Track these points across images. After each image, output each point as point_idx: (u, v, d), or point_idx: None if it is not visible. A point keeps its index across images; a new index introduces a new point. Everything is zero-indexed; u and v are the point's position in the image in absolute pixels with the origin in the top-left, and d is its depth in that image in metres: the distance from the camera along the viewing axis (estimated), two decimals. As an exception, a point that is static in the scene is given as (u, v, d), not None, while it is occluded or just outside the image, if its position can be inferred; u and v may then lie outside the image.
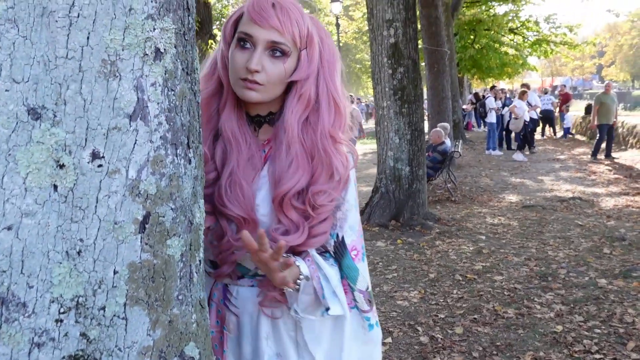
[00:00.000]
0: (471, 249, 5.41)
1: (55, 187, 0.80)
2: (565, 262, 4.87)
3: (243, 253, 1.22)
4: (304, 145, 1.20)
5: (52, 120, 0.79)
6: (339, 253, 1.27)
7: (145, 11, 0.84)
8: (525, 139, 13.14)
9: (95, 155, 0.81)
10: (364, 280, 1.29)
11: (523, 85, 14.91)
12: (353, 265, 1.27)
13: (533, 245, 5.51)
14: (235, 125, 1.23)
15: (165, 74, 0.87)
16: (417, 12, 9.93)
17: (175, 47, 0.89)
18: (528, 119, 13.10)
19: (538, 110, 14.44)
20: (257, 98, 1.17)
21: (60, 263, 0.81)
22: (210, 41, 10.85)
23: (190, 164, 0.93)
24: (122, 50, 0.82)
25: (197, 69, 0.97)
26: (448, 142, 8.83)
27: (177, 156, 0.90)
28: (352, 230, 1.28)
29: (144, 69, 0.84)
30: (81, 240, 0.82)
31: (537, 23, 21.76)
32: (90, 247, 0.82)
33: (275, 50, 1.16)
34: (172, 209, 0.89)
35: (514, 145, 14.99)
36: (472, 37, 21.48)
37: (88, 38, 0.80)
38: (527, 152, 13.86)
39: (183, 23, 0.91)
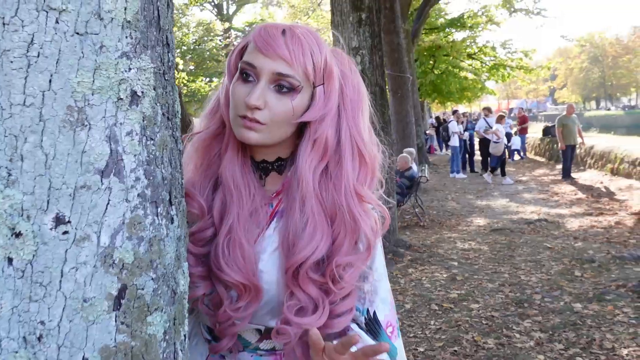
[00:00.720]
0: (445, 276, 5.34)
1: (10, 260, 0.66)
2: (539, 287, 4.85)
3: (245, 324, 1.04)
4: (321, 203, 1.00)
5: (6, 179, 0.65)
6: (372, 331, 1.08)
7: (119, 48, 0.71)
8: (503, 162, 13.19)
9: (59, 220, 0.68)
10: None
11: (485, 108, 15.20)
12: (391, 345, 1.09)
13: (505, 270, 5.49)
14: (237, 172, 1.03)
15: (143, 120, 0.74)
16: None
17: (154, 89, 0.76)
18: (507, 142, 13.31)
19: (499, 133, 14.70)
20: (256, 139, 0.98)
21: (17, 352, 0.67)
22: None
23: (172, 223, 0.80)
24: (92, 94, 0.69)
25: (178, 112, 0.85)
26: (415, 167, 8.84)
27: (157, 216, 0.77)
28: (384, 304, 1.09)
29: (118, 115, 0.71)
30: (42, 323, 0.68)
31: (493, 48, 22.37)
32: (53, 330, 0.68)
33: (282, 84, 0.97)
34: (152, 278, 0.75)
35: (477, 168, 15.21)
36: (431, 62, 21.90)
37: (50, 81, 0.67)
38: (492, 175, 14.06)
39: (162, 61, 0.79)
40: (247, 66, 0.98)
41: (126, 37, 0.72)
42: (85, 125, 0.69)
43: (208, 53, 28.00)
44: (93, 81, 0.69)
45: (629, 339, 3.61)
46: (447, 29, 21.95)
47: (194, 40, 27.75)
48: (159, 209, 0.77)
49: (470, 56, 22.89)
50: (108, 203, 0.71)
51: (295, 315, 0.98)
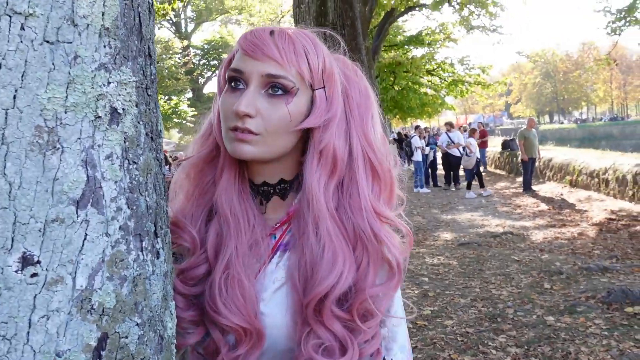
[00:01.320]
0: (416, 292, 5.30)
1: (-33, 310, 0.55)
2: (511, 301, 4.84)
3: None
4: (339, 225, 0.88)
5: (-38, 215, 0.55)
6: None
7: (97, 59, 0.62)
8: (479, 176, 13.26)
9: (26, 261, 0.57)
10: None
11: (446, 123, 15.42)
12: None
13: (476, 284, 5.48)
14: (234, 199, 0.91)
15: (124, 141, 0.65)
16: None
17: (136, 105, 0.67)
18: (479, 156, 13.43)
19: (461, 147, 14.95)
20: (252, 153, 0.86)
21: (-25, 422, 0.56)
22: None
23: (158, 257, 0.70)
24: (65, 112, 0.59)
25: (161, 131, 0.75)
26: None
27: (142, 251, 0.67)
28: (402, 353, 0.97)
29: (95, 136, 0.62)
30: (7, 384, 0.57)
31: (452, 65, 22.82)
32: (20, 393, 0.57)
33: (275, 87, 0.86)
34: (137, 324, 0.65)
35: (440, 182, 15.38)
36: (392, 78, 22.15)
37: (15, 97, 0.57)
38: (453, 189, 14.23)
39: (145, 74, 0.70)
40: (234, 73, 0.88)
41: (104, 46, 0.63)
42: (57, 148, 0.59)
43: (167, 71, 27.66)
44: (66, 97, 0.59)
45: (603, 351, 3.62)
46: (406, 46, 22.29)
47: (153, 59, 27.40)
48: (143, 243, 0.67)
49: (429, 72, 23.27)
50: (85, 238, 0.60)
51: (323, 356, 0.85)
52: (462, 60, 22.86)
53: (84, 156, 0.61)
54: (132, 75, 0.66)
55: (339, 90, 0.91)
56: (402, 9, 18.33)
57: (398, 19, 20.22)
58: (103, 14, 0.62)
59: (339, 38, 0.99)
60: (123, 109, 0.64)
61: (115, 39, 0.64)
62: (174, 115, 26.88)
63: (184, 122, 27.63)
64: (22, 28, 0.57)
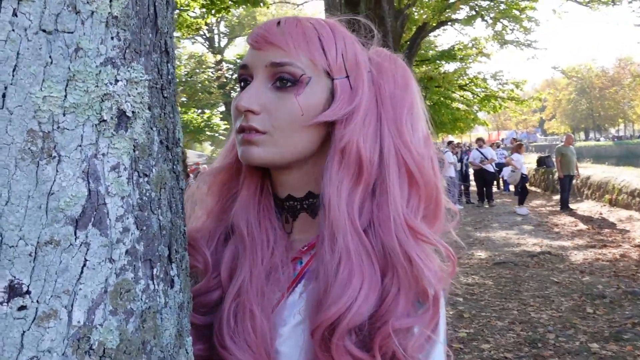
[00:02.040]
0: (451, 313, 5.10)
1: (-59, 350, 0.46)
2: (551, 325, 4.61)
3: None
4: (362, 240, 0.73)
5: (-63, 235, 0.46)
6: None
7: (102, 53, 0.53)
8: (524, 191, 12.91)
9: (14, 291, 0.48)
10: None
11: (478, 139, 15.15)
12: None
13: (514, 306, 5.25)
14: (252, 215, 0.80)
15: (134, 150, 0.55)
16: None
17: (149, 108, 0.57)
18: (526, 172, 13.11)
19: (494, 163, 14.63)
20: (259, 156, 0.75)
21: None
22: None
23: (172, 287, 0.60)
24: (64, 114, 0.50)
25: (180, 139, 0.66)
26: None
27: (153, 279, 0.56)
28: None
29: (99, 143, 0.52)
30: None
31: (484, 80, 22.51)
32: None
33: (283, 79, 0.74)
34: (145, 367, 0.55)
35: (473, 199, 15.07)
36: (423, 93, 21.94)
37: (4, 96, 0.48)
38: (487, 205, 13.91)
39: (160, 72, 0.60)
40: (241, 70, 0.79)
41: (112, 38, 0.53)
42: (54, 156, 0.49)
43: (200, 85, 28.08)
44: (65, 96, 0.50)
45: (653, 382, 3.38)
46: (437, 61, 22.11)
47: (186, 73, 27.86)
48: (154, 270, 0.56)
49: (461, 87, 23.00)
50: (84, 265, 0.51)
51: None
52: (495, 75, 22.52)
53: (85, 167, 0.51)
54: (145, 73, 0.56)
55: (366, 79, 0.78)
56: (434, 24, 18.20)
57: (430, 34, 20.09)
58: (111, 1, 0.53)
59: (372, 25, 0.87)
60: (133, 112, 0.55)
61: (125, 30, 0.54)
62: (206, 129, 27.21)
63: (217, 135, 27.93)
64: (15, 14, 0.48)
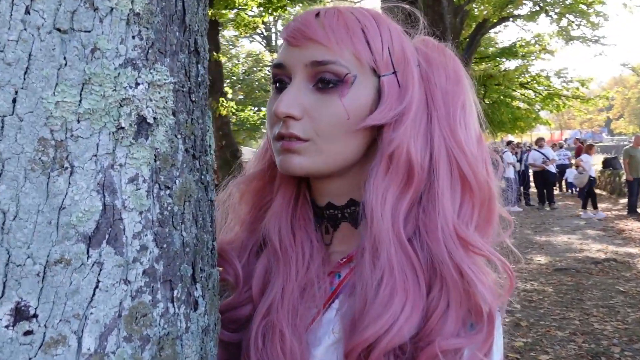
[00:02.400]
0: (507, 320, 4.90)
1: (-57, 376, 0.43)
2: (617, 338, 4.35)
3: None
4: (408, 254, 0.65)
5: (-60, 252, 0.42)
6: None
7: (122, 53, 0.48)
8: (590, 194, 12.38)
9: (20, 313, 0.44)
10: None
11: (538, 139, 14.61)
12: None
13: (575, 315, 4.99)
14: (285, 226, 0.74)
15: (155, 160, 0.50)
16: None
17: (174, 114, 0.52)
18: (594, 174, 12.60)
19: (554, 164, 14.07)
20: (302, 166, 0.68)
21: None
22: (221, 99, 10.67)
23: (196, 309, 0.55)
24: (78, 121, 0.46)
25: (211, 146, 0.61)
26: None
27: (173, 302, 0.52)
28: None
29: (116, 153, 0.47)
30: None
31: (548, 77, 21.71)
32: None
33: (324, 77, 0.67)
34: (163, 399, 0.50)
35: (532, 201, 14.56)
36: (482, 91, 21.43)
37: (14, 101, 0.44)
38: (547, 208, 13.39)
39: (188, 74, 0.55)
40: (276, 69, 0.71)
41: (133, 37, 0.49)
42: (66, 167, 0.45)
43: (257, 83, 28.47)
44: (80, 101, 0.46)
45: None
46: (498, 58, 21.50)
47: (244, 71, 28.30)
48: (175, 292, 0.51)
49: (523, 85, 22.28)
50: (96, 286, 0.46)
51: None
52: (559, 73, 21.69)
53: (101, 178, 0.47)
54: (170, 75, 0.52)
55: (416, 74, 0.70)
56: (495, 20, 17.70)
57: (490, 31, 19.56)
58: (132, -4, 0.48)
59: (419, 14, 0.79)
60: (154, 119, 0.50)
61: (147, 29, 0.50)
62: (262, 126, 27.64)
63: (272, 132, 28.32)
64: (27, 12, 0.44)
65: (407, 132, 0.67)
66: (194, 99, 0.56)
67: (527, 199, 14.85)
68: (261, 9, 11.89)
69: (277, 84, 0.71)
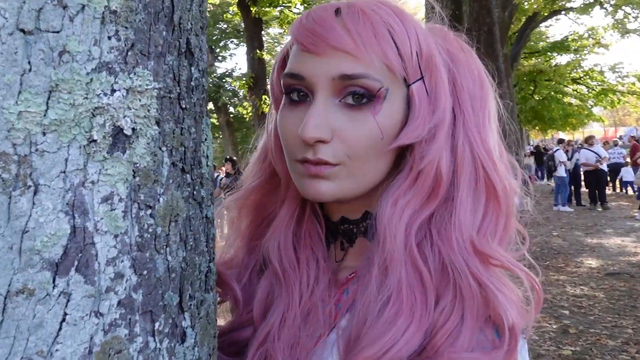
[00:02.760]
0: (555, 327, 4.71)
1: None
2: (674, 349, 4.11)
3: None
4: (419, 269, 0.58)
5: None
6: None
7: (96, 56, 0.42)
8: None
9: (-22, 350, 0.39)
10: None
11: (589, 137, 14.05)
12: None
13: (628, 324, 4.74)
14: (289, 245, 0.67)
15: (134, 176, 0.44)
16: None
17: (157, 123, 0.46)
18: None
19: (605, 163, 13.50)
20: (333, 192, 0.61)
21: None
22: (264, 96, 10.72)
23: (183, 342, 0.49)
24: (44, 134, 0.41)
25: (207, 157, 0.55)
26: (516, 200, 8.16)
27: (154, 335, 0.46)
28: None
29: (88, 169, 0.42)
30: None
31: (601, 72, 20.92)
32: None
33: (353, 91, 0.59)
34: None
35: (584, 201, 14.02)
36: (532, 87, 20.84)
37: (-29, 112, 0.39)
38: (599, 208, 12.87)
39: (178, 78, 0.49)
40: (292, 80, 0.62)
41: (109, 37, 0.43)
42: (30, 186, 0.40)
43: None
44: (46, 111, 0.41)
45: None
46: (548, 53, 20.85)
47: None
48: (156, 324, 0.46)
49: (575, 81, 21.56)
50: (63, 320, 0.41)
51: None
52: (614, 68, 20.84)
53: (70, 198, 0.41)
54: (154, 80, 0.46)
55: (445, 78, 0.62)
56: (546, 14, 17.16)
57: (540, 24, 18.97)
58: (108, -9, 0.43)
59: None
60: (133, 129, 0.44)
61: (126, 28, 0.44)
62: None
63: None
64: (-14, 11, 0.39)
65: (440, 146, 0.61)
66: (184, 106, 0.50)
67: (578, 199, 14.33)
68: (305, 5, 11.89)
69: (292, 95, 0.62)
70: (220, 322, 0.71)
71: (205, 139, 0.55)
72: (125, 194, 0.44)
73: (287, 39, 0.67)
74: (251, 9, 12.76)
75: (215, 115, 22.89)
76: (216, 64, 23.78)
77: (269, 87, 0.75)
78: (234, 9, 16.49)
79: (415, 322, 0.57)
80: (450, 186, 0.62)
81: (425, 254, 0.60)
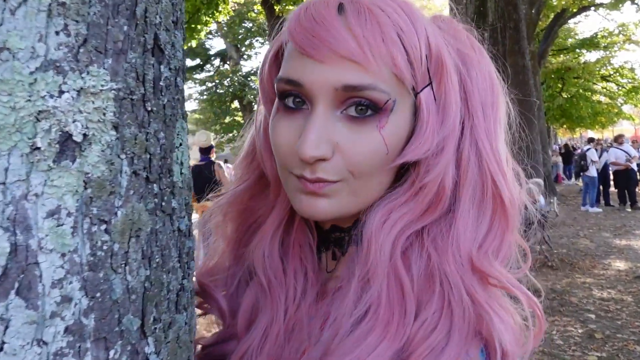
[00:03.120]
0: (580, 331, 4.57)
1: None
2: None
3: None
4: (402, 284, 0.53)
5: None
6: None
7: (41, 54, 0.38)
8: None
9: None
10: None
11: (618, 136, 13.71)
12: None
13: (657, 329, 4.59)
14: (275, 255, 0.63)
15: (85, 188, 0.40)
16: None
17: (115, 128, 0.42)
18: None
19: (635, 162, 13.14)
20: (331, 211, 0.55)
21: None
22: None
23: (147, 372, 0.44)
24: (-21, 140, 0.36)
25: (182, 164, 0.50)
26: (542, 200, 7.98)
27: (109, 365, 0.41)
28: None
29: (31, 180, 0.38)
30: None
31: (632, 70, 20.41)
32: None
33: (358, 102, 0.53)
34: None
35: (613, 201, 13.69)
36: (560, 85, 20.43)
37: None
38: (629, 209, 12.54)
39: (142, 78, 0.44)
40: (288, 86, 0.55)
41: (57, 32, 0.39)
42: (-36, 199, 0.36)
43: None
44: (-18, 115, 0.36)
45: None
46: (577, 50, 20.41)
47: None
48: (111, 352, 0.41)
49: (604, 78, 21.08)
50: (1, 349, 0.36)
51: None
52: (646, 65, 20.31)
53: (10, 212, 0.37)
54: (111, 80, 0.41)
55: (455, 82, 0.56)
56: (575, 10, 16.80)
57: (569, 21, 18.59)
58: (55, -19, 0.38)
59: None
60: (84, 135, 0.39)
61: (77, 22, 0.39)
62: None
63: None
64: None
65: (448, 160, 0.55)
66: (150, 108, 0.45)
67: (606, 199, 13.99)
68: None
69: (287, 101, 0.56)
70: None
71: (180, 145, 0.50)
72: (75, 208, 0.39)
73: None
74: (274, 7, 12.74)
75: (240, 113, 22.93)
76: (242, 62, 23.85)
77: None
78: (258, 7, 16.51)
79: (388, 339, 0.51)
80: (452, 198, 0.56)
81: (410, 260, 0.54)
